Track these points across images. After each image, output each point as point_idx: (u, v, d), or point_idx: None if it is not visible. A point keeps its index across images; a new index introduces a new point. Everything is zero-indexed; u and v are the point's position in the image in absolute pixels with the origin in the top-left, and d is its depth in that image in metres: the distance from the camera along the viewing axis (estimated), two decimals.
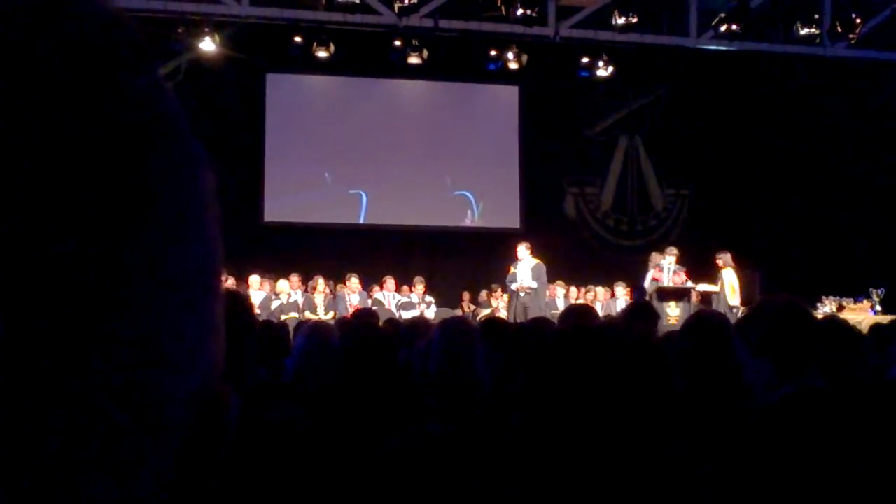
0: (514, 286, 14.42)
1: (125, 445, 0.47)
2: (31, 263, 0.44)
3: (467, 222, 19.40)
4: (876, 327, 6.78)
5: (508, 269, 14.67)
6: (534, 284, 14.12)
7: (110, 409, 0.46)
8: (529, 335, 4.57)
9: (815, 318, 2.90)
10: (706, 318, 3.87)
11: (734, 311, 13.88)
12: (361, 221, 18.93)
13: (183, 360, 0.51)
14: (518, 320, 12.43)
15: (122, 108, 0.48)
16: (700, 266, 15.33)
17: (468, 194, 19.43)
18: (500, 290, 16.39)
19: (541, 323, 5.24)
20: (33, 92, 0.45)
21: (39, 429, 0.44)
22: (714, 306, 13.92)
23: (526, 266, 14.29)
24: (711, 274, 15.24)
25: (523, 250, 14.44)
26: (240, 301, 3.01)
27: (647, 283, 14.71)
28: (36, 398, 0.44)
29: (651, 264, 14.95)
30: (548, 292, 15.18)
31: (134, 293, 0.47)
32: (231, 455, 2.58)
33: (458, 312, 15.56)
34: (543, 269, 14.32)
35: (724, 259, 14.79)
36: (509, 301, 14.85)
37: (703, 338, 3.51)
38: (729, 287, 14.61)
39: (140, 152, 0.49)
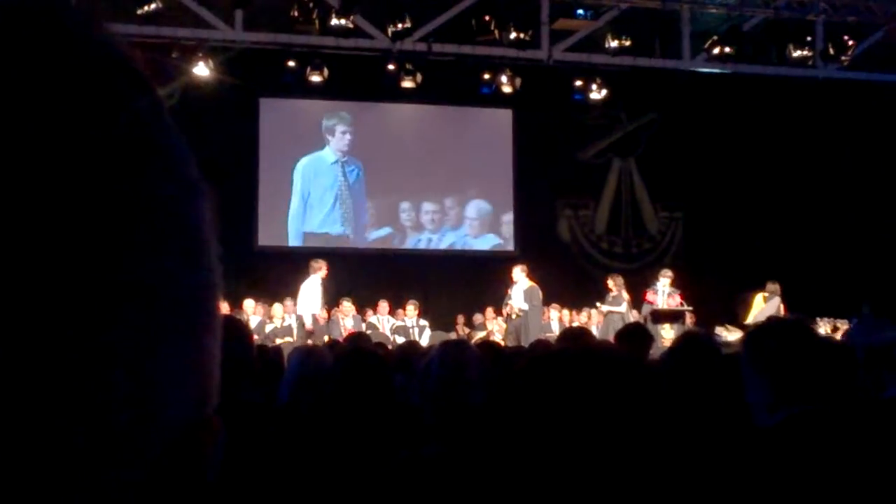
0: (505, 309, 14.45)
1: (102, 466, 0.46)
2: (22, 282, 0.43)
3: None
4: (869, 349, 6.75)
5: (506, 292, 14.66)
6: (525, 307, 14.12)
7: (95, 427, 0.45)
8: (525, 358, 4.57)
9: (822, 338, 2.89)
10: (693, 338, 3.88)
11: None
12: (355, 245, 18.92)
13: (173, 386, 0.50)
14: (510, 343, 12.43)
15: (117, 134, 0.48)
16: (694, 288, 15.33)
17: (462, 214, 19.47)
18: (493, 312, 16.36)
19: (539, 346, 5.25)
20: (31, 114, 0.45)
21: (20, 444, 0.43)
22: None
23: (520, 289, 14.30)
24: (706, 296, 15.28)
25: (518, 273, 14.46)
26: (240, 328, 3.01)
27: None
28: (24, 413, 0.43)
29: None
30: (543, 315, 15.16)
31: (122, 314, 0.46)
32: (220, 482, 2.56)
33: (453, 335, 15.52)
34: (537, 292, 14.32)
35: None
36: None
37: (690, 359, 3.51)
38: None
39: (133, 178, 0.48)
